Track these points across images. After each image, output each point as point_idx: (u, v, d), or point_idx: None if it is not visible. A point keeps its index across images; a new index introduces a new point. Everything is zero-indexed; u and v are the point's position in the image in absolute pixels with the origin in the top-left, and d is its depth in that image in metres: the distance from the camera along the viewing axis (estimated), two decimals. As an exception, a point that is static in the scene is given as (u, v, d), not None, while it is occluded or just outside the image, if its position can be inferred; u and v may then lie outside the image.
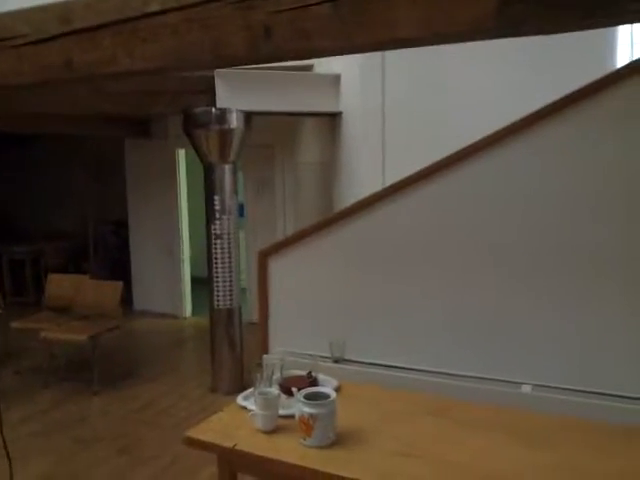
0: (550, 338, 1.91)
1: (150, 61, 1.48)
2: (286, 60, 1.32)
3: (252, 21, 1.25)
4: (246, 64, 1.43)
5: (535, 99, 2.04)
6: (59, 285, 5.30)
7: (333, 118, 4.59)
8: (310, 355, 2.13)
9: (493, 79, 3.46)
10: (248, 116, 4.26)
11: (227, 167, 4.30)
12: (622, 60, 3.23)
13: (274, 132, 6.01)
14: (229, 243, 4.36)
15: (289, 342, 2.32)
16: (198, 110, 4.12)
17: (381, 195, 2.20)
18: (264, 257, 2.28)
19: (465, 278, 2.04)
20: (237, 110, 4.11)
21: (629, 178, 1.78)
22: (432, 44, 1.16)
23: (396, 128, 3.58)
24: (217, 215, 4.31)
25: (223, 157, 4.24)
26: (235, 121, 4.14)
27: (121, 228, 7.87)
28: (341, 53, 1.29)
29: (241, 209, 5.69)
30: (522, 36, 1.12)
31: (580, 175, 1.84)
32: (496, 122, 2.04)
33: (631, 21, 1.08)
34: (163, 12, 1.40)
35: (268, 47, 1.26)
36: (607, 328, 1.83)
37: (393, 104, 3.58)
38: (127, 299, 6.53)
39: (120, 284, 4.91)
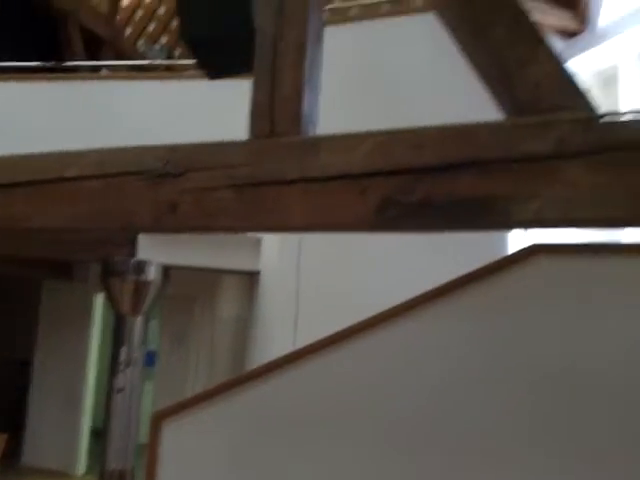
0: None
1: (63, 221, 1.53)
2: (189, 233, 1.41)
3: (160, 196, 1.34)
4: (152, 232, 1.50)
5: (437, 276, 2.19)
6: (-63, 434, 4.77)
7: (252, 276, 4.70)
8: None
9: (403, 254, 3.70)
10: (167, 269, 4.30)
11: (139, 318, 4.24)
12: (514, 246, 3.57)
13: (194, 284, 6.03)
14: (130, 397, 4.16)
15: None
16: (117, 259, 4.14)
17: (284, 361, 2.21)
18: (158, 420, 2.18)
19: (373, 459, 2.00)
20: (156, 262, 4.16)
21: (520, 361, 1.89)
22: (321, 232, 1.28)
23: (312, 292, 3.70)
24: (121, 367, 4.16)
25: (136, 308, 4.20)
26: (153, 273, 4.16)
27: (26, 368, 7.35)
28: (241, 232, 1.40)
29: (151, 359, 5.49)
30: (402, 232, 1.26)
31: (471, 356, 1.94)
32: (407, 294, 2.14)
33: (492, 229, 1.24)
34: (81, 178, 1.48)
35: (172, 221, 1.34)
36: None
37: (310, 268, 3.74)
38: (16, 451, 5.92)
39: (4, 437, 4.48)
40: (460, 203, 1.08)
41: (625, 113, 1.02)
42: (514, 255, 1.85)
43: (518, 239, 3.47)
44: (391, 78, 2.45)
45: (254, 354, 4.35)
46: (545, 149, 1.03)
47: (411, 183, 1.12)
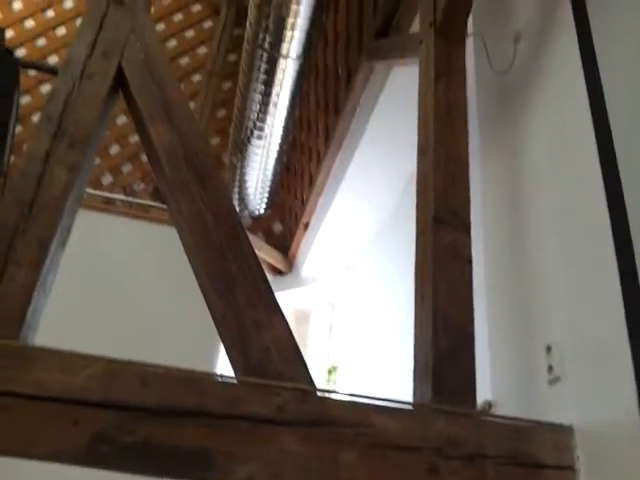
0: None
1: None
2: None
3: None
4: None
5: None
6: None
7: None
8: None
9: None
10: None
11: None
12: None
13: None
14: None
15: None
16: None
17: None
18: None
19: None
20: None
21: None
22: (19, 458, 1.09)
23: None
24: None
25: None
26: None
27: None
28: None
29: None
30: (117, 471, 1.11)
31: None
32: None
33: None
34: None
35: None
36: None
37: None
38: None
39: None
40: (180, 451, 1.06)
41: (338, 392, 1.16)
42: None
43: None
44: (124, 281, 2.40)
45: None
46: (267, 413, 1.09)
47: (131, 422, 1.07)
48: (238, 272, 1.26)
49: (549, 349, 1.39)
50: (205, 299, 1.28)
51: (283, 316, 1.24)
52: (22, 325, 1.14)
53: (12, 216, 1.23)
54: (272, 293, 1.26)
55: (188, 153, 1.39)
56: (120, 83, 1.45)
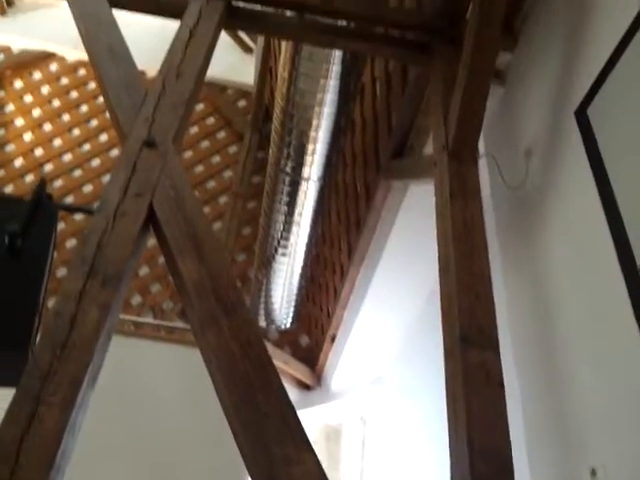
0: None
1: None
2: None
3: None
4: None
5: None
6: None
7: None
8: None
9: None
10: None
11: None
12: None
13: None
14: None
15: None
16: None
17: None
18: None
19: None
20: None
21: None
22: None
23: None
24: None
25: None
26: None
27: None
28: None
29: None
30: None
31: None
32: None
33: None
34: None
35: None
36: None
37: None
38: None
39: None
40: None
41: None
42: None
43: None
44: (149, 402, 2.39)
45: None
46: None
47: None
48: (265, 404, 1.25)
49: (594, 473, 1.32)
50: (232, 431, 1.26)
51: (313, 450, 1.21)
52: (51, 469, 1.13)
53: (45, 357, 1.25)
54: (301, 425, 1.24)
55: (216, 286, 1.43)
56: (151, 221, 1.53)
